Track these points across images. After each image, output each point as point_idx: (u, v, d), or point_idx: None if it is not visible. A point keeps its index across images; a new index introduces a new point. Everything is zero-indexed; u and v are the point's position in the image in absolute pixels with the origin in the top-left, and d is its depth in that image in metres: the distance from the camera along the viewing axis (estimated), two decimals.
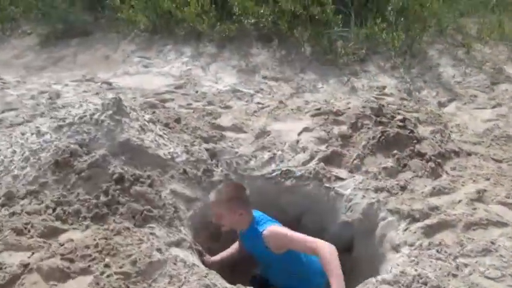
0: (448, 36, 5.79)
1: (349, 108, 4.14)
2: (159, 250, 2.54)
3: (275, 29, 6.21)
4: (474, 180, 3.16)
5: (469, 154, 3.51)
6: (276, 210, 3.45)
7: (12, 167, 3.07)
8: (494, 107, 4.40)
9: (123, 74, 5.68)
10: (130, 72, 5.70)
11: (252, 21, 6.21)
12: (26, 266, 2.27)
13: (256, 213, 2.74)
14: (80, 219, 2.72)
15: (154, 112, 4.18)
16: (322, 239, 3.36)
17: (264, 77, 5.42)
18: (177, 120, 4.04)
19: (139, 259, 2.42)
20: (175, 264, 2.49)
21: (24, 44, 6.91)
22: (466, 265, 2.47)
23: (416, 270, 2.42)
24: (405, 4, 5.73)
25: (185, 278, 2.40)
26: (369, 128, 3.75)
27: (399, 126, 3.64)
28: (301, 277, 2.74)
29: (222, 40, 6.30)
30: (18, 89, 5.22)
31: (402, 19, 5.52)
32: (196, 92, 5.00)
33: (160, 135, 3.49)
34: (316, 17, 5.79)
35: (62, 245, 2.46)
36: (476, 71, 5.11)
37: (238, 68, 5.73)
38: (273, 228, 2.59)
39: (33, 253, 2.38)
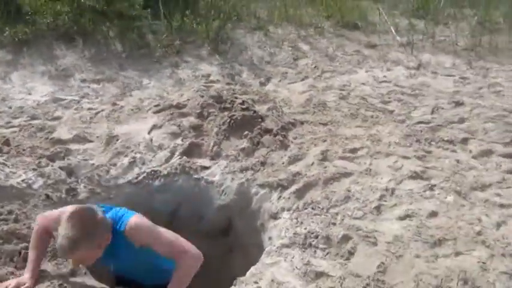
0: (246, 21, 6.40)
1: (188, 99, 4.29)
2: (61, 285, 2.31)
3: (76, 27, 5.82)
4: (315, 144, 3.74)
5: (302, 123, 4.10)
6: (150, 212, 3.45)
7: None
8: (302, 79, 5.16)
9: None
10: None
11: (48, 20, 5.69)
12: None
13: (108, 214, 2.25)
14: None
15: None
16: (198, 227, 3.55)
17: (83, 80, 5.08)
18: (6, 143, 3.54)
19: None
20: None
21: None
22: (337, 213, 2.98)
23: (305, 228, 2.82)
24: None
25: None
26: (215, 115, 3.98)
27: (243, 109, 3.98)
28: (161, 269, 2.39)
29: (13, 45, 5.59)
30: None
31: (212, 11, 5.87)
32: (10, 107, 4.40)
33: (2, 163, 3.04)
34: (123, 13, 5.66)
35: None
36: (278, 50, 5.84)
37: (48, 74, 5.21)
38: (134, 222, 2.18)
39: None
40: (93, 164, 3.45)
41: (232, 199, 3.39)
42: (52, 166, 3.23)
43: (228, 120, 3.88)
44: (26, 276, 2.26)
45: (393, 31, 6.51)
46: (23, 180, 2.94)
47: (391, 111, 4.48)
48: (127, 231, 2.16)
